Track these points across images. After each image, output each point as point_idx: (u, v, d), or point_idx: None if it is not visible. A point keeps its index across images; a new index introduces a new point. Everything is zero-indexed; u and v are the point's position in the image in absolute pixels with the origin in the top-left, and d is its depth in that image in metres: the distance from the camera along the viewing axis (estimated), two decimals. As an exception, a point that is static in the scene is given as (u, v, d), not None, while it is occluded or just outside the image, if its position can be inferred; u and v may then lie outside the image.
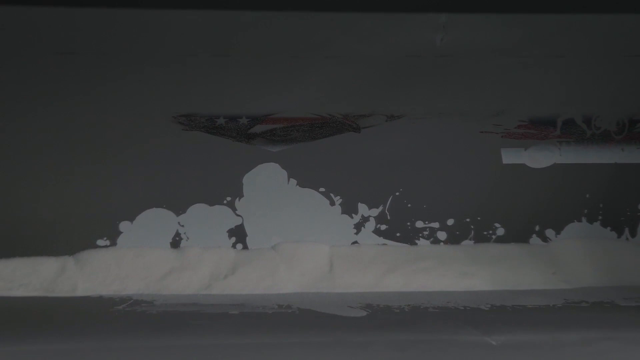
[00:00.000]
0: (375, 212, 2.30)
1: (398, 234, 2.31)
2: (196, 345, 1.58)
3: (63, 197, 2.23)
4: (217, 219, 2.27)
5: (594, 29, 2.10)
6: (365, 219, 2.29)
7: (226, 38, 2.09)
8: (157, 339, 1.63)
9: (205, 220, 2.28)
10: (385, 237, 2.32)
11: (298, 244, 2.24)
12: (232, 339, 1.62)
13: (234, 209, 2.26)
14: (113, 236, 2.25)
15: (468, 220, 2.30)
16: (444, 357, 1.52)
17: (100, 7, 1.92)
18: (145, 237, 2.26)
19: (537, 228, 2.32)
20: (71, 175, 2.23)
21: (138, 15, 2.00)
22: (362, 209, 2.28)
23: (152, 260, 2.18)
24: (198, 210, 2.26)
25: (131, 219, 2.25)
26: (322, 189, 2.27)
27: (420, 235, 2.32)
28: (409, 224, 2.30)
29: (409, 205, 2.29)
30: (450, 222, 2.31)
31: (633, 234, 2.31)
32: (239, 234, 2.28)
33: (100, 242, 2.25)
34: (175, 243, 2.27)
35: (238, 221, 2.27)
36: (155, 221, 2.26)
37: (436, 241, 2.30)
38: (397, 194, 2.28)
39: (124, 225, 2.26)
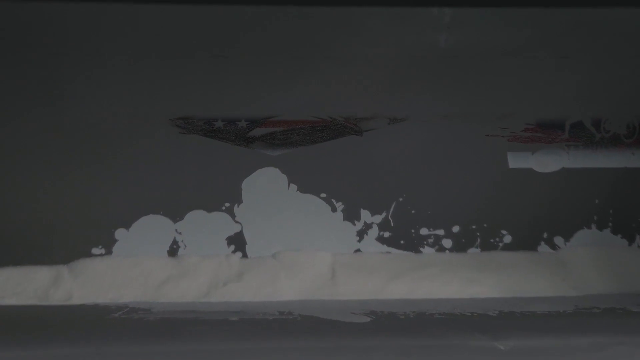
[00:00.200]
0: (378, 218, 2.23)
1: (402, 242, 2.25)
2: (195, 350, 1.53)
3: (56, 204, 2.17)
4: (216, 226, 2.20)
5: (603, 29, 2.05)
6: (368, 226, 2.23)
7: (224, 38, 2.04)
8: (154, 344, 1.58)
9: (204, 228, 2.22)
10: (389, 245, 2.25)
11: (299, 252, 2.15)
12: (231, 343, 1.58)
13: (232, 216, 2.20)
14: (108, 244, 2.19)
15: (474, 227, 2.24)
16: (451, 362, 1.45)
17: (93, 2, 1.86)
18: (141, 245, 2.20)
19: (545, 235, 2.26)
20: (64, 181, 2.17)
21: (132, 13, 1.95)
22: (365, 215, 2.22)
23: (149, 268, 2.10)
24: (196, 216, 2.20)
25: (127, 226, 2.18)
26: (323, 195, 2.20)
27: (425, 242, 2.25)
28: (413, 231, 2.24)
29: (413, 211, 2.22)
30: (455, 229, 2.24)
31: (644, 241, 2.23)
32: (238, 242, 2.22)
33: (95, 250, 2.19)
34: (173, 251, 2.21)
35: (237, 228, 2.21)
36: (152, 228, 2.20)
37: (441, 249, 2.24)
38: (401, 199, 2.22)
39: (119, 233, 2.20)
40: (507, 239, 2.25)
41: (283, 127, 2.20)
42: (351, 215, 2.24)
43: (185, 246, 2.20)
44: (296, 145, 2.19)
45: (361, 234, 2.24)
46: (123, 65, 2.07)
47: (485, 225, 2.24)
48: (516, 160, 2.22)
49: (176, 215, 2.20)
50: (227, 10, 1.95)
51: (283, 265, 2.13)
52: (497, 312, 1.83)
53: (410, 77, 2.12)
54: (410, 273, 2.13)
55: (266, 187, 2.19)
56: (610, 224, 2.26)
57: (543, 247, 2.26)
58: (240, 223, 2.20)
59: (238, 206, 2.19)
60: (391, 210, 2.21)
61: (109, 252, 2.18)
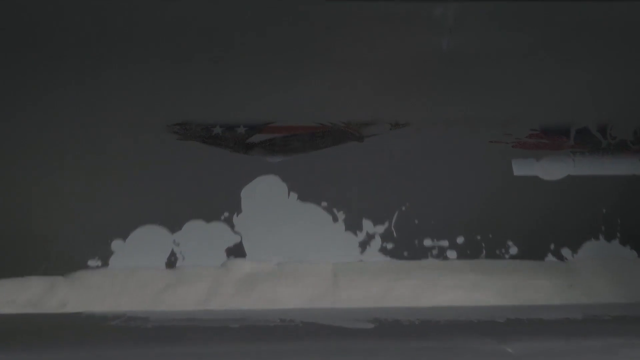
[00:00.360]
0: (380, 228, 2.18)
1: (405, 253, 2.20)
2: (194, 354, 1.50)
3: (51, 215, 2.13)
4: (215, 236, 2.15)
5: (609, 33, 2.02)
6: (370, 237, 2.19)
7: (223, 42, 2.01)
8: (152, 349, 1.55)
9: (202, 238, 2.17)
10: (392, 257, 2.20)
11: (301, 262, 2.11)
12: (232, 347, 1.54)
13: (232, 226, 2.15)
14: (105, 256, 2.14)
15: (479, 237, 2.19)
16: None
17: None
18: (139, 257, 2.14)
19: (552, 247, 2.21)
20: (60, 191, 2.13)
21: (128, 15, 1.94)
22: (367, 225, 2.17)
23: (146, 279, 2.04)
24: (194, 227, 2.15)
25: (124, 237, 2.14)
26: (324, 204, 2.15)
27: (429, 254, 2.20)
28: (416, 241, 2.20)
29: (416, 221, 2.17)
30: (460, 239, 2.20)
31: (655, 252, 2.17)
32: (237, 253, 2.17)
33: (91, 262, 2.14)
34: (171, 263, 2.16)
35: (237, 239, 2.16)
36: (149, 239, 2.16)
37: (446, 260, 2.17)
38: (404, 208, 2.17)
39: (116, 244, 2.15)
40: (513, 250, 2.20)
41: (283, 133, 2.15)
42: (353, 225, 2.19)
43: (184, 258, 2.15)
44: (296, 151, 2.15)
45: (363, 245, 2.20)
46: (118, 70, 2.03)
47: (490, 235, 2.19)
48: (521, 168, 2.17)
49: (174, 225, 2.15)
50: (226, 11, 1.92)
51: (284, 273, 2.07)
52: (504, 318, 1.78)
53: (412, 82, 2.09)
54: (415, 280, 2.06)
55: (266, 195, 2.14)
56: (618, 235, 2.21)
57: (550, 258, 2.21)
58: (239, 234, 2.14)
59: (237, 216, 2.14)
60: (394, 219, 2.16)
61: (105, 264, 2.13)
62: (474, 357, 1.46)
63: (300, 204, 2.16)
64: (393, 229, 2.18)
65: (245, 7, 1.96)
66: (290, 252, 2.18)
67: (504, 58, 2.06)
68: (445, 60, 2.05)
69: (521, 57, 2.06)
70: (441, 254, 2.20)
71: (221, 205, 2.15)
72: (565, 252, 2.21)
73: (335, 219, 2.16)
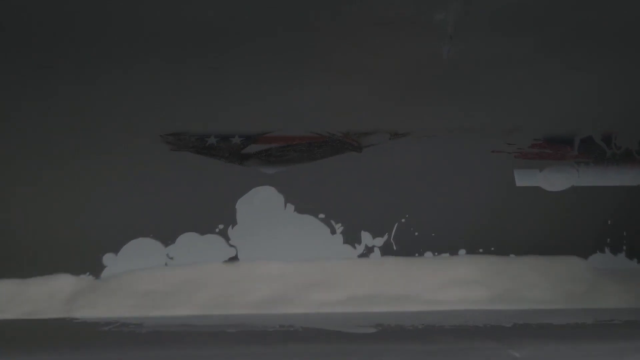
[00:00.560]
0: (380, 241, 2.13)
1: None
2: (193, 356, 1.47)
3: (40, 228, 2.07)
4: (210, 249, 2.08)
5: (614, 39, 1.97)
6: (369, 249, 2.13)
7: (218, 49, 1.96)
8: (148, 351, 1.52)
9: (197, 252, 2.10)
10: (392, 269, 2.11)
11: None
12: (230, 350, 1.50)
13: (227, 239, 2.08)
14: (96, 271, 2.08)
15: (481, 251, 2.13)
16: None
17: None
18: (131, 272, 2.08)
19: (556, 260, 2.13)
20: (48, 203, 2.07)
21: (120, 23, 1.90)
22: (366, 238, 2.11)
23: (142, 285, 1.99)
24: (188, 240, 2.09)
25: (115, 250, 2.08)
26: (321, 216, 2.09)
27: (430, 267, 2.12)
28: (417, 254, 2.13)
29: (416, 233, 2.12)
30: (461, 253, 2.13)
31: (663, 267, 2.11)
32: (232, 267, 2.08)
33: (82, 277, 2.07)
34: (164, 277, 2.07)
35: (232, 252, 2.10)
36: (142, 253, 2.09)
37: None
38: (403, 220, 2.11)
39: (107, 258, 2.09)
40: (516, 263, 2.11)
41: (279, 143, 2.10)
42: (351, 238, 2.14)
43: (178, 272, 2.06)
44: (293, 162, 2.10)
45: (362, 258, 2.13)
46: (109, 79, 1.98)
47: (492, 248, 2.13)
48: (524, 178, 2.12)
49: (167, 238, 2.09)
50: (221, 18, 1.87)
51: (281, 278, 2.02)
52: (512, 323, 1.74)
53: (412, 90, 2.04)
54: (419, 283, 2.02)
55: (262, 207, 2.08)
56: (624, 247, 2.14)
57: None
58: (235, 247, 2.08)
59: (232, 228, 2.08)
60: (393, 232, 2.10)
61: (97, 278, 2.08)
62: (480, 361, 1.39)
63: (298, 216, 2.10)
64: (392, 241, 2.13)
65: (241, 13, 1.90)
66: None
67: (506, 65, 2.01)
68: (446, 68, 2.00)
69: (524, 65, 2.02)
70: (442, 267, 2.11)
71: (216, 217, 2.10)
72: (570, 265, 2.13)
73: (333, 231, 2.10)
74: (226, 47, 1.95)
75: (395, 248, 2.14)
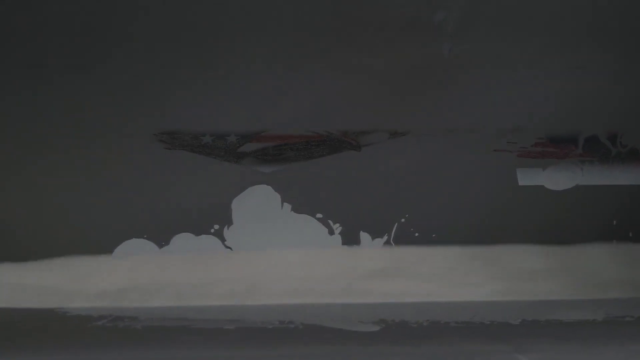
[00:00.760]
0: (379, 242, 2.08)
1: (405, 267, 2.07)
2: (192, 357, 1.43)
3: (32, 229, 2.02)
4: (205, 251, 2.03)
5: (618, 38, 1.94)
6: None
7: (213, 47, 1.93)
8: (145, 352, 1.46)
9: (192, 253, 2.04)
10: (391, 271, 2.06)
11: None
12: (230, 352, 1.46)
13: (222, 239, 2.04)
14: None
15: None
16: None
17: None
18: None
19: (560, 260, 2.08)
20: (40, 204, 2.02)
21: (115, 21, 1.88)
22: (365, 238, 2.06)
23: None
24: (183, 240, 2.04)
25: (109, 251, 2.03)
26: (319, 215, 2.04)
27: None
28: (417, 255, 2.07)
29: (417, 234, 2.07)
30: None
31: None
32: (228, 267, 2.04)
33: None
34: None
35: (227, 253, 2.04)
36: (136, 254, 2.03)
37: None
38: (403, 220, 2.06)
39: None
40: (519, 264, 2.07)
41: (276, 142, 2.05)
42: (350, 239, 2.09)
43: (172, 273, 2.01)
44: (290, 161, 2.05)
45: (361, 259, 2.06)
46: (103, 77, 1.95)
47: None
48: (526, 177, 2.07)
49: (161, 239, 2.05)
50: (217, 16, 1.82)
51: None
52: (519, 320, 1.69)
53: (412, 89, 2.00)
54: (421, 272, 2.00)
55: (258, 206, 2.03)
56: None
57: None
58: (230, 248, 2.04)
59: (228, 228, 2.03)
60: (393, 232, 2.06)
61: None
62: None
63: (295, 216, 2.05)
64: (392, 242, 2.08)
65: (238, 11, 1.86)
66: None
67: (509, 64, 1.98)
68: (447, 67, 1.95)
69: (527, 63, 1.98)
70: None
71: (211, 217, 2.05)
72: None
73: (331, 232, 2.05)
74: (223, 44, 1.93)
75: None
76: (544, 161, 2.09)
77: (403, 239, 2.09)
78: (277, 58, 1.94)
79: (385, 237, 2.08)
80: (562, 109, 2.05)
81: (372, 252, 2.01)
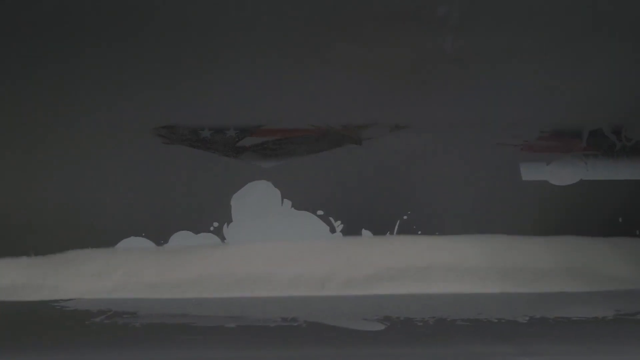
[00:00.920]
0: (381, 240, 2.03)
1: (408, 266, 2.02)
2: (193, 358, 1.40)
3: (29, 224, 2.00)
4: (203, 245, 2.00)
5: (623, 30, 1.92)
6: (370, 248, 2.03)
7: (212, 39, 1.91)
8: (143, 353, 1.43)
9: (191, 251, 2.01)
10: (393, 269, 2.01)
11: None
12: (230, 353, 1.42)
13: (222, 238, 2.00)
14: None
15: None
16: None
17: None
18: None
19: (565, 259, 2.03)
20: (32, 201, 2.00)
21: (111, 12, 1.86)
22: (367, 236, 2.02)
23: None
24: (182, 239, 2.00)
25: (108, 247, 2.01)
26: (320, 212, 2.01)
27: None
28: (419, 253, 2.03)
29: (419, 232, 2.04)
30: (467, 250, 2.03)
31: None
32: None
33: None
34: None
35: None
36: (135, 251, 2.00)
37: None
38: (405, 217, 2.02)
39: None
40: (523, 263, 2.02)
41: (276, 136, 2.02)
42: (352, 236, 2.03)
43: (172, 272, 1.97)
44: (290, 156, 2.01)
45: (363, 258, 2.02)
46: (98, 69, 1.93)
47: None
48: (530, 172, 2.03)
49: (160, 237, 2.01)
50: (215, 7, 1.81)
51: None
52: (527, 318, 1.63)
53: (413, 82, 1.97)
54: (426, 264, 1.94)
55: (257, 203, 2.00)
56: (636, 247, 2.05)
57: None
58: (229, 243, 2.01)
59: (227, 226, 2.00)
60: (395, 230, 2.02)
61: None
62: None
63: (295, 212, 2.02)
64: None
65: (236, 5, 1.84)
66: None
67: (513, 56, 1.95)
68: (449, 58, 1.93)
69: (530, 56, 1.95)
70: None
71: (210, 214, 2.02)
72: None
73: (332, 230, 2.02)
74: (221, 37, 1.91)
75: (397, 247, 2.04)
76: (548, 155, 2.05)
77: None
78: (276, 51, 1.92)
79: (387, 235, 2.04)
80: (565, 101, 2.02)
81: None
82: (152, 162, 1.99)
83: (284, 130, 2.01)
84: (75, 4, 1.85)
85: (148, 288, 1.86)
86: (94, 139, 1.97)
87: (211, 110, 1.98)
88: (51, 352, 1.45)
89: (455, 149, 2.02)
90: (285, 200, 2.01)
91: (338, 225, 2.02)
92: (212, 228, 2.01)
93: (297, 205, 2.01)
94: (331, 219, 2.02)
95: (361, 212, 2.03)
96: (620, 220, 2.06)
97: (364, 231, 2.02)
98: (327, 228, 2.02)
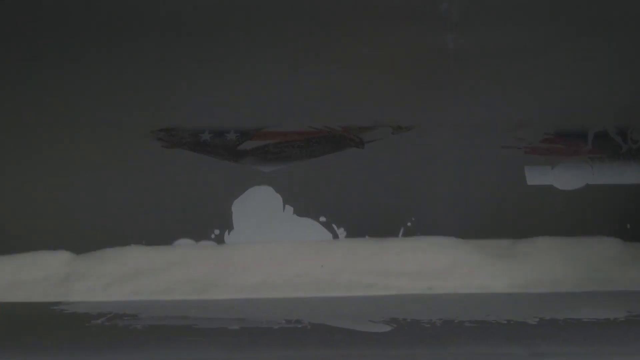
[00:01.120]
0: (385, 247, 1.99)
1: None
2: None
3: (22, 235, 1.96)
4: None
5: (629, 29, 1.90)
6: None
7: (212, 41, 1.89)
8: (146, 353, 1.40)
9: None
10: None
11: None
12: (234, 355, 1.40)
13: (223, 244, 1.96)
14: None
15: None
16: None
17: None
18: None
19: (571, 266, 1.99)
20: (32, 206, 1.97)
21: (111, 14, 1.85)
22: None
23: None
24: (183, 247, 1.96)
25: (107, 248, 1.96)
26: (322, 219, 1.97)
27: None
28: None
29: (424, 234, 1.99)
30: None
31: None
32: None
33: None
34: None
35: (228, 258, 1.97)
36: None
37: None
38: (409, 224, 1.99)
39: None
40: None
41: (276, 139, 2.00)
42: (355, 244, 2.00)
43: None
44: (291, 159, 1.98)
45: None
46: (98, 71, 1.91)
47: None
48: (535, 176, 2.00)
49: (161, 245, 1.96)
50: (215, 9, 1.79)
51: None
52: (537, 319, 1.59)
53: (416, 82, 1.95)
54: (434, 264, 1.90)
55: (258, 209, 1.96)
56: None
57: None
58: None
59: (229, 233, 1.95)
60: (400, 234, 1.98)
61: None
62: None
63: (297, 219, 1.97)
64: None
65: (236, 6, 1.83)
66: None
67: (516, 56, 1.93)
68: (452, 59, 1.90)
69: (534, 55, 1.93)
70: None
71: (211, 221, 1.98)
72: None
73: (335, 236, 1.97)
74: (221, 38, 1.89)
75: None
76: (553, 158, 2.01)
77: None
78: (277, 52, 1.90)
79: (393, 237, 2.00)
80: (570, 103, 1.99)
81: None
82: (151, 166, 1.97)
83: (285, 133, 1.98)
84: (75, 6, 1.82)
85: (152, 291, 1.82)
86: (91, 143, 1.95)
87: (211, 113, 1.95)
88: (51, 353, 1.43)
89: (458, 152, 2.00)
90: (287, 206, 1.97)
91: (341, 233, 1.98)
92: (213, 236, 1.97)
93: (299, 212, 1.98)
94: (334, 226, 1.98)
95: (364, 218, 1.99)
96: (628, 227, 2.01)
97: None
98: (330, 235, 1.98)
